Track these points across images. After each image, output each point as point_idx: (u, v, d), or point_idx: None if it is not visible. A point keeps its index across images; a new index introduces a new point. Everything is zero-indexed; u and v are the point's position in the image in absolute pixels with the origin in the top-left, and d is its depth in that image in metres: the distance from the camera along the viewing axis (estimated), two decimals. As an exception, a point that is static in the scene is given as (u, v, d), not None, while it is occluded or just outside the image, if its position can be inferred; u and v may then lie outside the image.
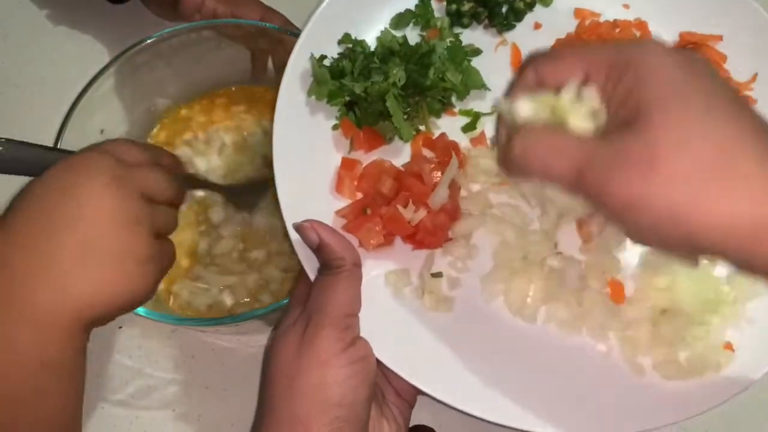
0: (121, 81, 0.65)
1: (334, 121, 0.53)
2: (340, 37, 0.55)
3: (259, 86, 0.72)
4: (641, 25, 0.58)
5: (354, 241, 0.49)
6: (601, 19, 0.59)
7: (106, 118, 0.66)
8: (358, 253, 0.48)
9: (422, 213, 0.49)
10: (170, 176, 0.48)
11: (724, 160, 0.33)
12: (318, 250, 0.47)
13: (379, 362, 0.47)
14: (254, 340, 0.66)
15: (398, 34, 0.56)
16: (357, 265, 0.47)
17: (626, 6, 0.59)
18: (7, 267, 0.41)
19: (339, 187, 0.51)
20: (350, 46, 0.55)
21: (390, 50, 0.54)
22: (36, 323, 0.40)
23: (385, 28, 0.56)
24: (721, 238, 0.33)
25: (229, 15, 0.69)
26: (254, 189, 0.67)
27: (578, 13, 0.59)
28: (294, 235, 0.48)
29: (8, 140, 0.47)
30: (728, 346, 0.49)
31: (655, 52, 0.37)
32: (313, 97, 0.53)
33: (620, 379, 0.48)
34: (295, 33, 0.67)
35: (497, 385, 0.47)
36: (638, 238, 0.37)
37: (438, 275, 0.49)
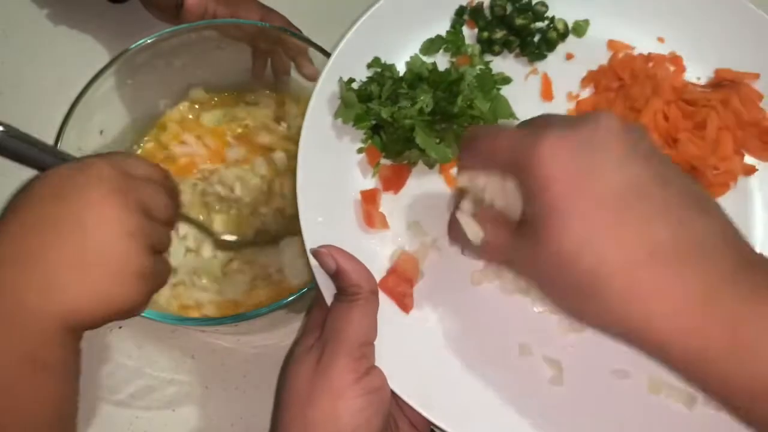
0: (121, 81, 0.65)
1: (359, 145, 0.53)
2: (369, 60, 0.55)
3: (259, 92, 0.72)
4: (676, 59, 0.57)
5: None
6: (635, 52, 0.58)
7: (106, 118, 0.66)
8: (375, 280, 0.47)
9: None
10: (170, 197, 0.47)
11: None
12: (335, 276, 0.46)
13: (392, 392, 0.46)
14: (254, 340, 0.66)
15: (428, 60, 0.56)
16: (374, 293, 0.47)
17: (661, 39, 0.58)
18: None
19: (369, 221, 0.51)
20: (379, 70, 0.54)
21: (419, 76, 0.53)
22: (22, 325, 0.40)
23: (415, 54, 0.56)
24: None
25: (229, 16, 0.69)
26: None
27: (611, 45, 0.58)
28: (312, 260, 0.48)
29: (7, 131, 0.45)
30: None
31: (549, 148, 0.37)
32: (340, 119, 0.53)
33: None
34: (295, 33, 0.68)
35: (513, 422, 0.46)
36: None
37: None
